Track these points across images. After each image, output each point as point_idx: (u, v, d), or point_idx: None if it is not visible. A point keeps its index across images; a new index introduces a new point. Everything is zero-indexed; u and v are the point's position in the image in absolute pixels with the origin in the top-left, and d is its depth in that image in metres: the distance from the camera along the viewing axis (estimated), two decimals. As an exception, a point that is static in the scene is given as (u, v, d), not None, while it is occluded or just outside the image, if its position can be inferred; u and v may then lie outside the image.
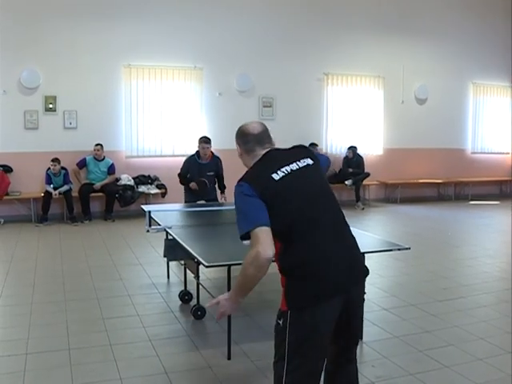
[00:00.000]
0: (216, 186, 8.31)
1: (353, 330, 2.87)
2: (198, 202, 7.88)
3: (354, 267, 2.75)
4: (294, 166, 2.71)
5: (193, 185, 7.96)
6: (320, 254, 2.61)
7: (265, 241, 2.52)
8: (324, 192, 2.77)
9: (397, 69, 13.48)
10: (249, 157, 2.91)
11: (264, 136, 2.93)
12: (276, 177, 2.64)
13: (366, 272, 2.86)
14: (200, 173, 7.98)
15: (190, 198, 8.07)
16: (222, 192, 8.30)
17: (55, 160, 10.25)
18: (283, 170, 2.68)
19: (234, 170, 12.18)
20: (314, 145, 12.22)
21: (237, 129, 3.00)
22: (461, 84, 14.45)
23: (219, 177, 8.25)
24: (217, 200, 8.15)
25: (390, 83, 13.49)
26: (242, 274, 2.65)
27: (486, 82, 14.70)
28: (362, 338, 4.69)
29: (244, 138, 2.91)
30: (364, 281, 2.87)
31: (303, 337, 2.62)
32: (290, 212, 2.62)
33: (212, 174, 8.09)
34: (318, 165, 2.86)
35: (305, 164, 2.76)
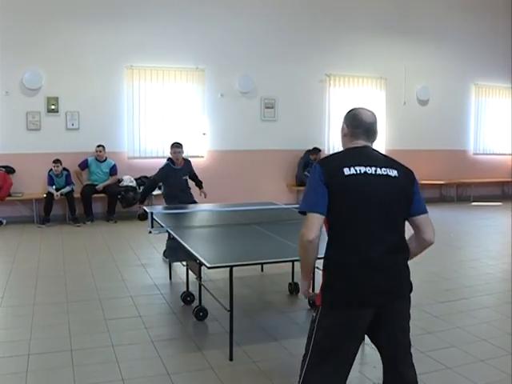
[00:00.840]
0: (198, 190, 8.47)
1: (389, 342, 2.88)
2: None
3: (394, 283, 2.78)
4: (369, 170, 2.71)
5: (139, 207, 7.90)
6: (360, 260, 2.65)
7: (311, 225, 2.62)
8: (387, 207, 2.71)
9: (399, 70, 13.47)
10: (349, 141, 2.89)
11: (372, 129, 2.88)
12: (346, 172, 2.67)
13: (409, 288, 2.91)
14: (177, 178, 8.00)
15: (170, 202, 8.06)
16: (201, 187, 8.40)
17: (57, 161, 10.27)
18: (357, 168, 2.69)
19: (233, 171, 12.24)
20: (316, 150, 12.21)
21: (349, 110, 2.96)
22: (463, 85, 14.44)
23: (192, 176, 8.38)
24: (195, 202, 8.17)
25: (391, 84, 13.49)
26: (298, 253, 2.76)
27: (487, 83, 14.68)
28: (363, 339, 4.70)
29: (355, 121, 2.86)
30: (404, 297, 2.92)
31: (328, 336, 2.69)
32: (342, 209, 2.67)
33: (186, 177, 8.23)
34: (404, 182, 2.79)
35: (385, 173, 2.73)
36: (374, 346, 2.92)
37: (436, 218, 11.75)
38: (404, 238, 2.80)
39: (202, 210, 7.29)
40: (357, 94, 13.21)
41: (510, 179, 15.04)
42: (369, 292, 2.66)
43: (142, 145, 11.46)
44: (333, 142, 13.01)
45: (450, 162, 14.29)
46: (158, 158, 11.47)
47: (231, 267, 4.18)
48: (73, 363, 4.18)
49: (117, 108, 11.27)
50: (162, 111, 11.56)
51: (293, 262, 5.57)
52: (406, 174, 2.83)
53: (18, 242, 8.89)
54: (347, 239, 2.68)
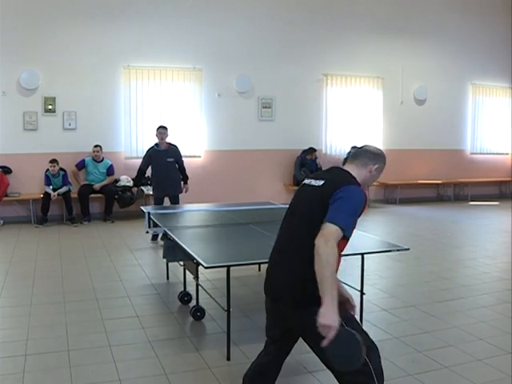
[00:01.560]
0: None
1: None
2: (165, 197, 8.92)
3: (274, 283, 2.99)
4: (307, 181, 3.09)
5: (187, 188, 9.14)
6: (270, 260, 3.13)
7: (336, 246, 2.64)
8: (298, 211, 2.98)
9: (396, 69, 13.48)
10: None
11: (356, 154, 3.13)
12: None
13: (288, 296, 2.87)
14: (160, 158, 8.83)
15: (158, 193, 9.01)
16: (185, 183, 9.10)
17: (53, 161, 10.25)
18: (305, 180, 3.16)
19: (230, 171, 12.24)
20: (312, 149, 12.21)
21: (378, 152, 3.14)
22: (460, 85, 14.45)
23: (180, 167, 9.03)
24: (181, 192, 8.98)
25: (389, 84, 13.49)
26: (322, 270, 2.60)
27: (485, 82, 14.69)
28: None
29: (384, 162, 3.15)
30: (283, 300, 2.91)
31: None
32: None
33: (172, 160, 8.92)
34: (324, 189, 2.84)
35: (316, 184, 2.95)
36: None
37: (433, 217, 11.81)
38: (305, 241, 2.77)
39: (199, 209, 7.29)
40: (354, 93, 13.20)
41: (507, 178, 15.07)
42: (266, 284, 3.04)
43: (139, 145, 11.44)
44: (330, 142, 13.01)
45: (448, 162, 14.30)
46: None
47: (228, 267, 4.18)
48: (70, 363, 4.17)
49: (114, 108, 11.26)
50: (159, 111, 11.54)
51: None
52: (327, 177, 2.95)
53: (15, 242, 8.87)
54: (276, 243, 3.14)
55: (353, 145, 12.59)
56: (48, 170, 10.29)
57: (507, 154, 15.27)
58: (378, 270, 6.96)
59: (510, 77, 14.94)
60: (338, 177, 2.91)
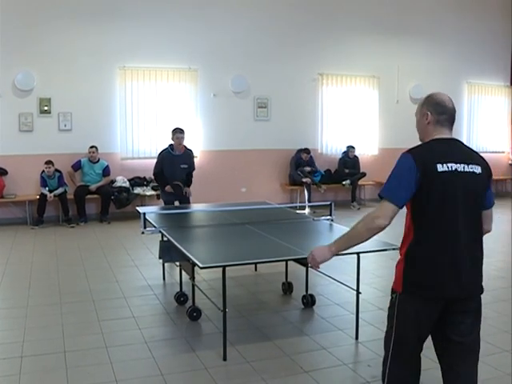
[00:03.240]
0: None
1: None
2: (175, 204, 8.12)
3: (470, 283, 2.79)
4: (459, 167, 2.73)
5: (168, 188, 8.17)
6: (448, 259, 2.71)
7: (387, 213, 2.69)
8: (469, 204, 2.78)
9: (391, 69, 13.49)
10: (434, 129, 2.85)
11: (454, 115, 2.87)
12: (439, 168, 2.68)
13: (480, 290, 2.87)
14: (173, 164, 8.07)
15: (167, 198, 8.28)
16: (188, 186, 8.37)
17: (49, 162, 10.23)
18: (449, 165, 2.70)
19: (226, 171, 12.22)
20: (305, 150, 12.22)
21: (427, 96, 2.92)
22: (455, 83, 14.45)
23: (190, 172, 8.37)
24: (190, 195, 8.36)
25: (384, 83, 13.50)
26: (354, 227, 2.81)
27: (480, 81, 14.72)
28: (357, 338, 4.70)
29: (439, 108, 2.82)
30: (475, 297, 2.87)
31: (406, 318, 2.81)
32: (433, 206, 2.70)
33: (185, 166, 8.21)
34: (485, 178, 2.84)
35: (471, 170, 2.75)
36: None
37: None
38: (482, 232, 2.91)
39: (195, 210, 7.29)
40: (350, 92, 13.21)
41: (503, 177, 15.08)
42: (453, 287, 2.72)
43: (135, 145, 11.44)
44: (326, 141, 13.02)
45: (443, 161, 14.29)
46: (151, 158, 11.40)
47: (224, 267, 4.17)
48: (66, 365, 4.17)
49: (109, 109, 11.25)
50: (155, 112, 11.54)
51: (286, 261, 5.58)
52: (486, 170, 2.86)
53: (12, 243, 8.85)
54: (434, 237, 2.72)
55: (348, 144, 12.70)
56: (43, 171, 10.27)
57: (503, 152, 15.29)
58: (374, 269, 6.97)
59: (505, 75, 14.99)
60: (482, 160, 2.89)
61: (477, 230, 2.83)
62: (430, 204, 2.70)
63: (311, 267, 3.01)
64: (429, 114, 2.83)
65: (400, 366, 2.89)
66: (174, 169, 8.07)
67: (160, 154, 8.29)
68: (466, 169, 2.73)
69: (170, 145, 8.15)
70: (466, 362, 2.89)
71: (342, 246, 2.90)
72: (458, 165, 2.72)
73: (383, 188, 2.74)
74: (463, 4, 14.13)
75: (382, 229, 2.71)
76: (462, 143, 2.89)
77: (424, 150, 2.78)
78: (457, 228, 2.71)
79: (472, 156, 2.82)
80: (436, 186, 2.67)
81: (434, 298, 2.73)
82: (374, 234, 2.75)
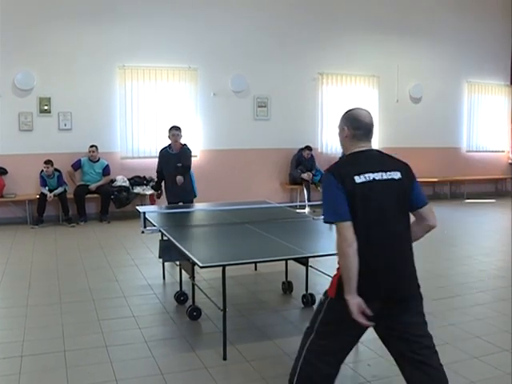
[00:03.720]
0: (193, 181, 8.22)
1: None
2: (179, 204, 7.81)
3: (404, 283, 2.89)
4: (377, 176, 2.84)
5: (179, 179, 7.80)
6: (380, 263, 2.81)
7: (346, 234, 2.74)
8: (395, 209, 2.87)
9: (391, 68, 13.48)
10: (351, 143, 2.96)
11: (371, 129, 2.99)
12: (357, 180, 2.79)
13: (415, 290, 2.96)
14: (169, 163, 7.90)
15: (172, 199, 8.04)
16: (180, 175, 7.86)
17: (48, 162, 10.22)
18: (367, 175, 2.81)
19: (226, 170, 12.21)
20: (307, 147, 12.22)
21: (346, 111, 3.03)
22: (455, 83, 14.46)
23: (184, 166, 7.94)
24: (195, 196, 8.15)
25: (384, 82, 13.50)
26: (341, 267, 2.81)
27: (480, 80, 14.71)
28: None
29: (356, 123, 2.94)
30: (412, 299, 2.95)
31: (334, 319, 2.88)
32: (359, 215, 2.77)
33: (181, 165, 7.90)
34: (406, 182, 2.94)
35: (390, 177, 2.87)
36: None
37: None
38: (410, 234, 2.96)
39: (195, 209, 7.29)
40: (349, 92, 13.20)
41: (503, 176, 15.09)
42: (387, 287, 2.81)
43: (135, 145, 11.44)
44: (326, 140, 13.01)
45: (443, 160, 14.31)
46: (151, 157, 11.43)
47: (224, 266, 4.17)
48: (66, 364, 4.16)
49: (109, 108, 11.24)
50: (155, 111, 11.54)
51: (286, 260, 5.58)
52: (407, 173, 2.97)
53: (11, 243, 8.86)
54: (365, 243, 2.76)
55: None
56: (43, 170, 10.26)
57: (503, 151, 15.29)
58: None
59: (505, 74, 14.98)
60: (401, 165, 3.02)
61: (405, 232, 2.92)
62: (357, 213, 2.77)
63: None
64: (346, 128, 2.96)
65: (311, 366, 2.93)
66: (171, 167, 7.89)
67: (160, 152, 8.20)
68: (385, 176, 2.85)
69: (169, 144, 8.04)
70: (432, 359, 2.99)
71: (347, 287, 2.78)
72: (376, 174, 2.84)
73: (325, 214, 2.84)
74: (463, 4, 14.13)
75: (351, 246, 2.72)
76: (380, 152, 3.03)
77: (341, 165, 2.93)
78: (385, 233, 2.81)
79: (389, 164, 2.95)
80: (358, 196, 2.77)
81: (366, 300, 2.75)
82: (354, 254, 2.73)
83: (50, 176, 10.36)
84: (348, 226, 2.74)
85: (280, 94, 12.46)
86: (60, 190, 10.35)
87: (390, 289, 2.81)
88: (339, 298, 2.80)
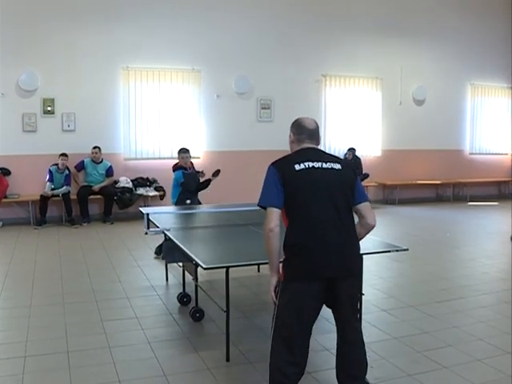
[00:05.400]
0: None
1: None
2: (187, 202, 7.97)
3: (341, 261, 3.11)
4: (316, 164, 3.16)
5: (217, 171, 8.51)
6: (312, 241, 3.07)
7: (270, 216, 3.09)
8: (335, 194, 3.14)
9: (395, 70, 13.49)
10: (297, 145, 3.34)
11: (315, 133, 3.34)
12: (297, 167, 3.13)
13: (354, 269, 3.24)
14: (195, 180, 8.21)
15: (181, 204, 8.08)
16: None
17: (64, 155, 10.30)
18: (306, 164, 3.15)
19: (229, 171, 12.24)
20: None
21: (294, 120, 3.42)
22: (459, 85, 14.47)
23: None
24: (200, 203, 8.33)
25: (387, 84, 13.51)
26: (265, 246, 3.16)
27: (483, 82, 14.72)
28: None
29: (299, 129, 3.34)
30: (351, 275, 3.21)
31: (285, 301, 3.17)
32: (297, 198, 3.10)
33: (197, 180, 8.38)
34: (348, 172, 3.24)
35: (329, 167, 3.18)
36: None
37: (432, 217, 11.78)
38: (353, 219, 3.23)
39: (198, 210, 7.29)
40: (353, 94, 13.23)
41: (506, 179, 15.08)
42: (322, 267, 3.06)
43: (138, 146, 11.46)
44: (329, 142, 13.03)
45: (446, 162, 14.31)
46: (154, 159, 11.49)
47: (227, 268, 4.18)
48: (69, 365, 4.17)
49: (113, 109, 11.26)
50: (158, 112, 11.56)
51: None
52: (348, 167, 3.28)
53: (15, 243, 8.87)
54: (302, 223, 3.10)
55: (350, 146, 12.70)
56: (53, 165, 10.29)
57: (506, 154, 15.29)
58: (377, 271, 6.96)
59: (508, 77, 14.97)
60: (343, 161, 3.32)
61: (345, 217, 3.16)
62: (296, 198, 3.10)
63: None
64: (291, 134, 3.40)
65: (279, 345, 3.20)
66: (196, 182, 8.20)
67: (185, 173, 7.97)
68: (324, 166, 3.17)
69: (180, 166, 8.03)
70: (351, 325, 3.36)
71: (270, 267, 3.26)
72: (315, 163, 3.17)
73: (259, 199, 3.18)
74: (465, 6, 14.13)
75: (271, 230, 3.06)
76: (323, 151, 3.38)
77: (284, 159, 3.29)
78: (323, 216, 3.09)
79: (330, 158, 3.29)
80: (296, 182, 3.11)
81: (307, 280, 3.05)
82: (274, 238, 3.08)
83: (61, 170, 10.37)
84: (274, 212, 3.08)
85: (283, 96, 12.47)
86: (63, 190, 10.37)
87: (325, 266, 3.05)
88: (285, 281, 3.13)
